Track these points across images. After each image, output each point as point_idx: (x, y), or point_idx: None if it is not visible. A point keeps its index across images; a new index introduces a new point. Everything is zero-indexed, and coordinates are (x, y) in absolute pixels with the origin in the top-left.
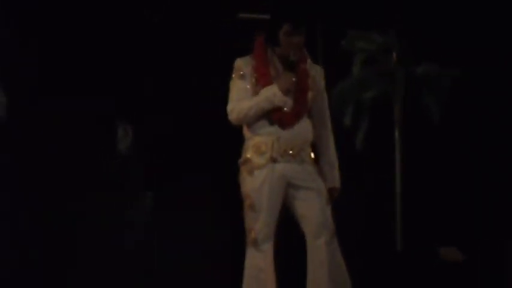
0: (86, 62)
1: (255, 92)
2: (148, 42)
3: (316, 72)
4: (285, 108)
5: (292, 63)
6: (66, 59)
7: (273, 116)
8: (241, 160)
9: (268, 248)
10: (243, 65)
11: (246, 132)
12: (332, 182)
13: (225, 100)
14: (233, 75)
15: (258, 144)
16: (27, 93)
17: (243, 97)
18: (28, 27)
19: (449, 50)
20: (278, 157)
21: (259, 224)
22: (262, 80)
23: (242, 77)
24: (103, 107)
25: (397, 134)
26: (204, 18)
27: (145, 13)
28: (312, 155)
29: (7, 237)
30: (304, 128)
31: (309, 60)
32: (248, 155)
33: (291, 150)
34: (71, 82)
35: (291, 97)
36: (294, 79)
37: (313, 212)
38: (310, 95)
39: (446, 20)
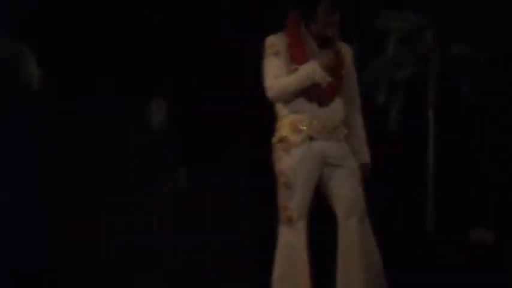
0: (116, 42)
1: (290, 70)
2: (179, 19)
3: (345, 51)
4: (323, 85)
5: (329, 40)
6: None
7: (312, 92)
8: (275, 138)
9: (302, 226)
10: (276, 41)
11: (280, 110)
12: (362, 158)
13: (258, 75)
14: (267, 53)
15: (294, 122)
16: (59, 69)
17: (280, 73)
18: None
19: (485, 31)
20: (315, 135)
21: (294, 201)
22: (297, 57)
23: (277, 53)
24: (137, 84)
25: (431, 114)
26: None
27: None
28: (346, 131)
29: (44, 199)
30: (338, 105)
31: (339, 39)
32: (284, 133)
33: (327, 128)
34: (103, 62)
35: (330, 74)
36: (333, 55)
37: (346, 192)
38: (343, 72)
39: (482, 1)
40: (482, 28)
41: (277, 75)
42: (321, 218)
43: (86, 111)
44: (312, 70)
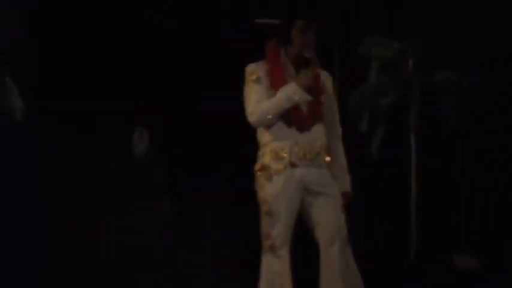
0: (98, 69)
1: (270, 96)
2: (162, 48)
3: (325, 78)
4: (303, 108)
5: (306, 61)
6: (78, 65)
7: (292, 117)
8: (257, 166)
9: (285, 253)
10: (256, 69)
11: (262, 137)
12: (344, 186)
13: (239, 102)
14: (247, 80)
15: (275, 150)
16: (43, 100)
17: (261, 99)
18: (38, 31)
19: (467, 57)
20: (297, 161)
21: (277, 229)
22: (277, 82)
23: (257, 80)
24: (119, 113)
25: (413, 140)
26: (219, 23)
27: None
28: (328, 158)
29: (29, 234)
30: (319, 132)
31: (319, 65)
32: (266, 161)
33: (309, 154)
34: (87, 90)
35: (310, 95)
36: (311, 75)
37: (328, 219)
38: (323, 97)
39: (464, 28)
40: (464, 54)
41: (259, 100)
42: (304, 245)
43: (69, 141)
44: (291, 91)
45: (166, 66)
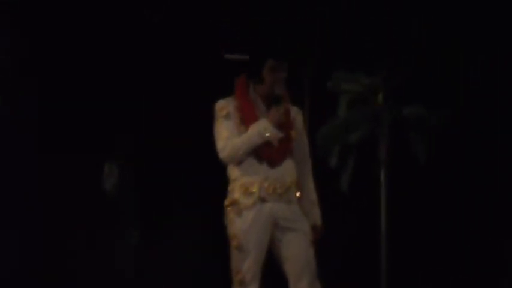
0: (69, 102)
1: (241, 132)
2: (131, 83)
3: (295, 113)
4: (274, 144)
5: (277, 98)
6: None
7: (263, 154)
8: (227, 201)
9: None
10: (226, 104)
11: (232, 173)
12: (314, 219)
13: (208, 137)
14: (217, 116)
15: (245, 185)
16: (13, 132)
17: (232, 135)
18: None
19: (436, 92)
20: (266, 197)
21: (247, 264)
22: (248, 118)
23: (227, 116)
24: (88, 147)
25: (382, 175)
26: (188, 57)
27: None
28: (298, 194)
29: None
30: (289, 167)
31: (289, 101)
32: (235, 196)
33: (279, 189)
34: (58, 122)
35: (281, 131)
36: (282, 111)
37: (297, 254)
38: (293, 133)
39: (433, 62)
40: (433, 89)
41: (229, 137)
42: (274, 280)
43: (43, 170)
44: (263, 128)
45: (136, 99)
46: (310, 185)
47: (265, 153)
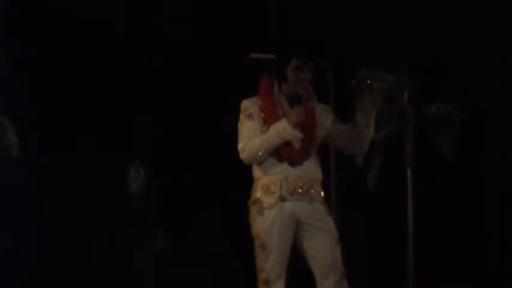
0: (94, 105)
1: (263, 132)
2: (157, 84)
3: (322, 111)
4: (295, 144)
5: (300, 98)
6: (77, 101)
7: (282, 153)
8: (250, 200)
9: (279, 287)
10: (250, 105)
11: (255, 172)
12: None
13: (235, 139)
14: (241, 116)
15: (267, 184)
16: (39, 136)
17: (253, 136)
18: (34, 73)
19: (462, 90)
20: (287, 196)
21: (270, 263)
22: (270, 118)
23: (250, 116)
24: (115, 148)
25: (409, 173)
26: (214, 57)
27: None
28: (322, 193)
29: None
30: (312, 166)
31: (315, 100)
32: (258, 195)
33: (300, 188)
34: (85, 125)
35: (301, 132)
36: (302, 112)
37: (322, 253)
38: (318, 132)
39: (460, 59)
40: (458, 87)
41: (250, 137)
42: (301, 278)
43: (65, 176)
44: (282, 128)
45: (161, 101)
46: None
47: (285, 153)
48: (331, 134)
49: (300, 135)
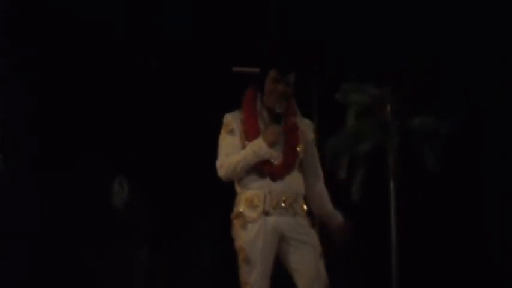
0: (82, 117)
1: (244, 146)
2: (140, 97)
3: (305, 126)
4: (273, 161)
5: (278, 117)
6: (61, 116)
7: (264, 169)
8: (233, 214)
9: None
10: (231, 120)
11: (237, 186)
12: (337, 219)
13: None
14: (222, 131)
15: (250, 198)
16: (23, 148)
17: (231, 152)
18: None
19: (446, 103)
20: (270, 210)
21: (254, 277)
22: (250, 132)
23: (231, 132)
24: (98, 163)
25: (392, 186)
26: (198, 72)
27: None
28: (305, 207)
29: None
30: (295, 180)
31: (298, 114)
32: (240, 209)
33: (283, 202)
34: (66, 140)
35: (279, 149)
36: (279, 131)
37: (306, 266)
38: (300, 148)
39: (442, 72)
40: (442, 99)
41: (229, 153)
42: None
43: (49, 191)
44: (258, 147)
45: (144, 113)
46: (324, 196)
47: (266, 170)
48: (305, 155)
49: (274, 154)
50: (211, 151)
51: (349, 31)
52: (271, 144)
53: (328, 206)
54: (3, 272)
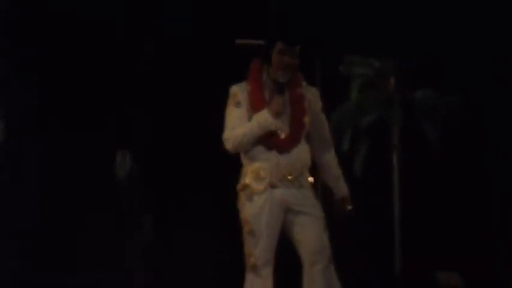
0: (84, 92)
1: (251, 118)
2: (145, 70)
3: (312, 95)
4: (279, 132)
5: (281, 86)
6: (67, 90)
7: (270, 141)
8: (239, 185)
9: (267, 273)
10: (238, 91)
11: (244, 158)
12: (340, 192)
13: (223, 121)
14: (229, 102)
15: (256, 170)
16: (26, 121)
17: (238, 125)
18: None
19: (448, 77)
20: (277, 182)
21: (259, 249)
22: (256, 105)
23: (237, 104)
24: (102, 135)
25: (395, 158)
26: (203, 43)
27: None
28: (310, 179)
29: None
30: (302, 152)
31: (304, 83)
32: (247, 181)
33: (289, 175)
34: (72, 112)
35: (285, 120)
36: (283, 101)
37: (310, 238)
38: (307, 119)
39: (445, 46)
40: (445, 74)
41: (235, 126)
42: (289, 264)
43: (51, 164)
44: (263, 119)
45: (150, 87)
46: (334, 162)
47: (273, 143)
48: (313, 124)
49: (280, 125)
50: (217, 124)
51: (354, 4)
52: (276, 115)
53: (336, 173)
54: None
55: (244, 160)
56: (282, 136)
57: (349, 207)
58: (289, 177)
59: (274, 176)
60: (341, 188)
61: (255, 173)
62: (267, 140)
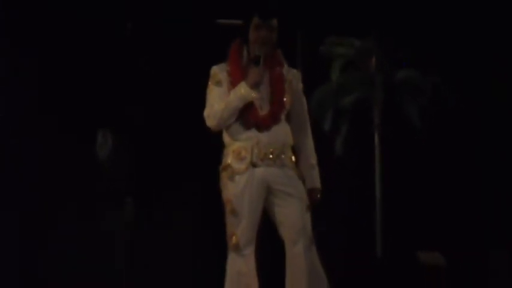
0: (65, 70)
1: None
2: (126, 52)
3: (293, 76)
4: (258, 106)
5: (257, 58)
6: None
7: (249, 119)
8: (221, 166)
9: (249, 252)
10: (218, 71)
11: (225, 138)
12: (312, 182)
13: (204, 103)
14: (209, 83)
15: (237, 150)
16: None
17: (218, 102)
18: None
19: (429, 56)
20: (258, 161)
21: (241, 228)
22: (236, 82)
23: (218, 83)
24: (83, 115)
25: (376, 139)
26: (184, 23)
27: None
28: (293, 158)
29: None
30: (282, 131)
31: (285, 65)
32: (228, 161)
33: (270, 154)
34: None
35: (264, 97)
36: (259, 72)
37: (292, 218)
38: (287, 98)
39: (426, 26)
40: (426, 53)
41: (214, 104)
42: (272, 244)
43: (33, 146)
44: (240, 90)
45: (130, 67)
46: (309, 147)
47: (252, 119)
48: (292, 105)
49: (256, 95)
50: (199, 105)
51: None
52: (253, 86)
53: (311, 160)
54: None
55: (225, 141)
56: (262, 113)
57: (318, 197)
58: (270, 156)
59: (255, 154)
60: (314, 178)
61: (236, 152)
62: (247, 115)
